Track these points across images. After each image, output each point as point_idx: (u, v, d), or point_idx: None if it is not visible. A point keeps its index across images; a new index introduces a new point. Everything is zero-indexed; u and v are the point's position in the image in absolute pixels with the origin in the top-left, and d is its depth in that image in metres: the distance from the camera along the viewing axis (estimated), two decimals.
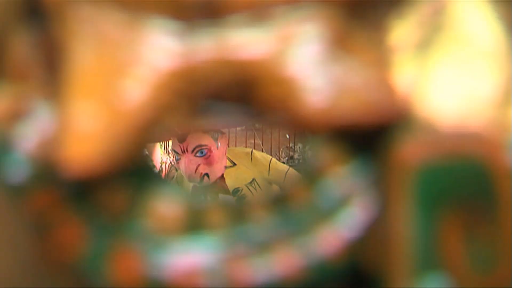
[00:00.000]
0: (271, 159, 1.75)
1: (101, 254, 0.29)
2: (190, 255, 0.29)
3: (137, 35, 0.28)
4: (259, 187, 1.70)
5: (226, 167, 1.69)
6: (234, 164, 1.71)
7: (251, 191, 1.69)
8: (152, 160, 1.90)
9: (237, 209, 0.29)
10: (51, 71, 0.29)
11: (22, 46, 0.30)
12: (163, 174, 1.92)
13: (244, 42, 0.28)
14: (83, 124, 0.27)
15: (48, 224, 0.29)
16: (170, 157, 1.91)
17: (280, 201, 0.30)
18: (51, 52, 0.30)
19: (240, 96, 0.28)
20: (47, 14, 0.29)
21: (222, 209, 0.29)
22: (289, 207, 0.29)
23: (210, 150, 1.62)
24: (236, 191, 1.69)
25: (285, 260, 0.28)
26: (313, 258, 0.28)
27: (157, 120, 0.28)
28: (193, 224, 0.29)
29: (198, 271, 0.28)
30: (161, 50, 0.28)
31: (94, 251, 0.29)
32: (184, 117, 0.29)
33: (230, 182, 1.69)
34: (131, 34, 0.28)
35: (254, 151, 1.77)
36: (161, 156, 2.08)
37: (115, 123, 0.27)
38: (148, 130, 0.28)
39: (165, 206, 0.29)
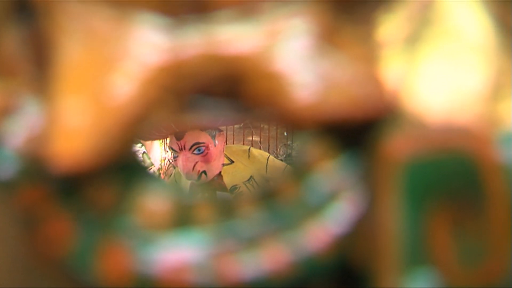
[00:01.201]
0: (268, 157, 1.75)
1: (89, 249, 0.29)
2: (178, 251, 0.29)
3: (125, 31, 0.28)
4: (257, 184, 1.70)
5: (223, 165, 1.69)
6: (232, 162, 1.71)
7: (248, 189, 1.69)
8: (149, 158, 1.90)
9: (226, 205, 0.29)
10: (39, 66, 0.29)
11: (10, 41, 0.30)
12: (163, 171, 1.92)
13: (232, 37, 0.28)
14: (71, 120, 0.27)
15: (36, 219, 0.29)
16: (168, 155, 1.91)
17: (268, 197, 0.30)
18: (39, 47, 0.30)
19: (228, 91, 0.28)
20: (35, 9, 0.29)
21: (210, 205, 0.29)
22: (277, 202, 0.29)
23: (207, 147, 1.62)
24: (233, 188, 1.69)
25: (273, 255, 0.28)
26: (302, 253, 0.28)
27: (145, 115, 0.28)
28: (182, 220, 0.29)
29: (187, 267, 0.28)
30: (149, 46, 0.28)
31: (82, 246, 0.29)
32: (172, 113, 0.29)
33: (228, 180, 1.69)
34: (119, 30, 0.28)
35: (251, 148, 1.76)
36: (161, 153, 2.08)
37: (103, 118, 0.27)
38: (136, 126, 0.28)
39: (154, 202, 0.29)
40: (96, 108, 0.27)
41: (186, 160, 1.61)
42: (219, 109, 0.29)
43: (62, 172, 0.28)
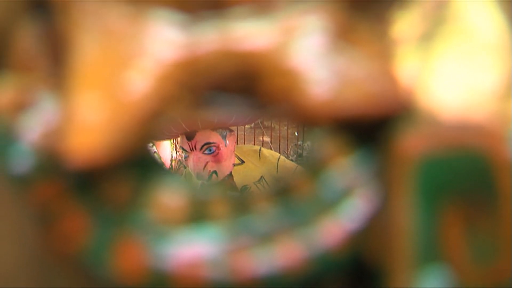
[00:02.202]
0: (279, 157, 1.75)
1: (104, 245, 0.29)
2: (193, 246, 0.29)
3: (141, 27, 0.28)
4: (268, 185, 1.70)
5: (234, 165, 1.69)
6: (243, 162, 1.71)
7: (259, 189, 1.69)
8: (160, 158, 1.90)
9: (240, 201, 0.30)
10: (55, 62, 0.30)
11: (27, 38, 0.30)
12: (173, 171, 1.92)
13: (248, 34, 0.28)
14: (87, 115, 0.27)
15: (52, 215, 0.29)
16: (178, 154, 1.91)
17: (283, 193, 0.30)
18: (55, 44, 0.30)
19: (244, 88, 0.28)
20: (52, 5, 0.30)
21: (225, 201, 0.30)
22: (292, 198, 0.30)
23: (218, 147, 1.62)
24: (244, 188, 1.69)
25: (287, 251, 0.29)
26: (316, 249, 0.29)
27: (161, 111, 0.28)
28: (196, 215, 0.29)
29: (201, 262, 0.28)
30: (164, 42, 0.28)
31: (97, 241, 0.29)
32: (187, 109, 0.29)
33: (238, 180, 1.69)
34: (135, 26, 0.28)
35: (262, 148, 1.76)
36: (171, 153, 2.08)
37: (119, 114, 0.27)
38: (151, 122, 0.28)
39: (169, 197, 0.29)
40: (112, 104, 0.27)
41: (197, 160, 1.61)
42: (234, 106, 0.29)
43: (78, 167, 0.28)
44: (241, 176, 1.70)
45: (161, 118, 0.28)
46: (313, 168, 0.30)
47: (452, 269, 0.27)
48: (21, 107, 0.29)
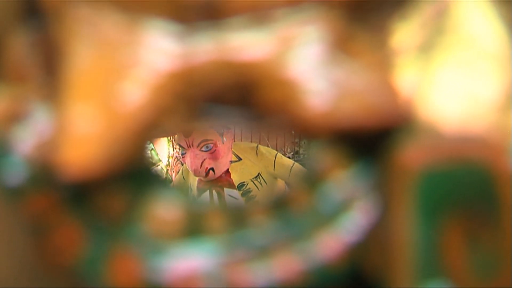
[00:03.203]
0: (276, 154, 1.75)
1: (99, 257, 0.28)
2: (189, 259, 0.28)
3: (136, 37, 0.28)
4: (265, 182, 1.70)
5: (231, 162, 1.69)
6: (240, 159, 1.70)
7: (256, 186, 1.69)
8: (157, 154, 1.90)
9: (237, 213, 0.29)
10: (49, 72, 0.29)
11: (20, 47, 0.30)
12: (170, 167, 1.92)
13: (244, 44, 0.27)
14: (81, 126, 0.27)
15: (45, 227, 0.29)
16: (176, 151, 1.91)
17: (280, 205, 0.29)
18: (49, 53, 0.29)
19: (240, 99, 0.28)
20: (45, 14, 0.29)
21: (222, 213, 0.29)
22: (289, 211, 0.29)
23: (215, 145, 1.62)
24: (241, 185, 1.69)
25: (285, 264, 0.28)
26: (314, 262, 0.28)
27: (156, 122, 0.28)
28: (193, 228, 0.29)
29: (197, 276, 0.28)
30: (160, 52, 0.27)
31: (92, 254, 0.28)
32: (183, 120, 0.28)
33: (235, 177, 1.69)
34: (130, 36, 0.28)
35: (259, 145, 1.76)
36: (168, 149, 2.08)
37: (113, 125, 0.27)
38: (147, 133, 0.28)
39: (165, 210, 0.29)
40: (106, 115, 0.27)
41: (194, 157, 1.61)
42: (231, 117, 0.29)
43: (72, 179, 0.28)
44: (238, 173, 1.70)
45: (156, 128, 0.28)
46: (311, 180, 0.29)
47: (453, 282, 0.27)
48: (14, 118, 0.29)
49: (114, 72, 0.27)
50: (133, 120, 0.27)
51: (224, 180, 1.69)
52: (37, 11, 0.29)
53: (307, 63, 0.28)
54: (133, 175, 0.29)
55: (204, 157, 1.63)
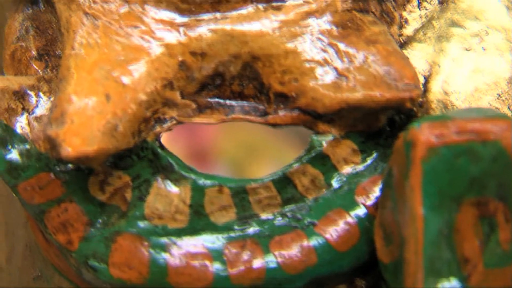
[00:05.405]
0: None
1: (101, 244, 0.28)
2: (193, 245, 0.28)
3: (139, 28, 0.27)
4: None
5: None
6: None
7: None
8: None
9: (243, 199, 0.28)
10: (51, 62, 0.30)
11: (24, 37, 0.30)
12: None
13: (251, 32, 0.28)
14: (84, 116, 0.26)
15: (47, 213, 0.28)
16: None
17: (289, 193, 0.29)
18: (52, 43, 0.30)
19: (246, 73, 0.28)
20: (49, 2, 0.30)
21: (227, 203, 0.28)
22: (299, 199, 0.29)
23: None
24: None
25: (292, 253, 0.28)
26: (323, 251, 0.28)
27: (159, 113, 0.28)
28: (197, 217, 0.28)
29: (201, 261, 0.28)
30: (163, 43, 0.27)
31: (94, 240, 0.28)
32: (186, 113, 0.28)
33: None
34: (133, 27, 0.27)
35: None
36: None
37: (116, 115, 0.26)
38: (149, 124, 0.27)
39: (170, 197, 0.28)
40: (109, 105, 0.26)
41: None
42: (238, 113, 0.28)
43: (74, 168, 0.28)
44: None
45: (160, 120, 0.28)
46: (322, 169, 0.29)
47: (467, 271, 0.26)
48: (17, 109, 0.29)
49: (116, 63, 0.27)
50: (136, 110, 0.27)
51: None
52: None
53: (314, 36, 0.27)
54: (137, 162, 0.28)
55: None
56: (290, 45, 0.27)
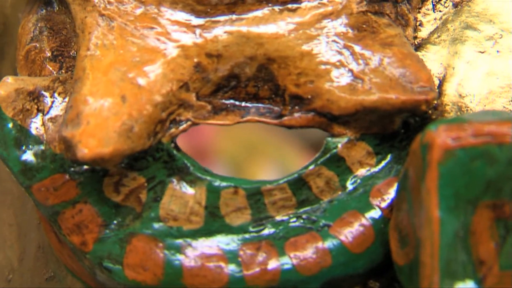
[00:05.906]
0: None
1: (116, 245, 0.28)
2: (207, 246, 0.28)
3: (155, 29, 0.27)
4: None
5: None
6: None
7: None
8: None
9: (258, 201, 0.28)
10: (66, 63, 0.29)
11: (38, 38, 0.30)
12: None
13: (267, 33, 0.27)
14: (100, 118, 0.26)
15: (60, 215, 0.28)
16: None
17: (304, 195, 0.29)
18: (67, 44, 0.30)
19: (262, 74, 0.27)
20: (63, 3, 0.29)
21: (242, 205, 0.28)
22: (313, 201, 0.29)
23: None
24: None
25: (307, 255, 0.28)
26: (338, 252, 0.28)
27: (175, 113, 0.27)
28: (212, 218, 0.28)
29: (215, 267, 0.28)
30: (179, 45, 0.27)
31: (109, 242, 0.28)
32: (201, 115, 0.28)
33: None
34: (149, 28, 0.27)
35: None
36: None
37: (132, 117, 0.26)
38: (165, 124, 0.27)
39: (185, 199, 0.28)
40: (125, 106, 0.26)
41: None
42: (253, 115, 0.28)
43: (90, 169, 0.28)
44: None
45: (175, 121, 0.28)
46: (337, 170, 0.29)
47: (482, 274, 0.26)
48: (33, 109, 0.29)
49: (133, 64, 0.27)
50: (152, 111, 0.27)
51: None
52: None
53: (329, 39, 0.27)
54: (151, 164, 0.28)
55: None
56: (305, 47, 0.27)
